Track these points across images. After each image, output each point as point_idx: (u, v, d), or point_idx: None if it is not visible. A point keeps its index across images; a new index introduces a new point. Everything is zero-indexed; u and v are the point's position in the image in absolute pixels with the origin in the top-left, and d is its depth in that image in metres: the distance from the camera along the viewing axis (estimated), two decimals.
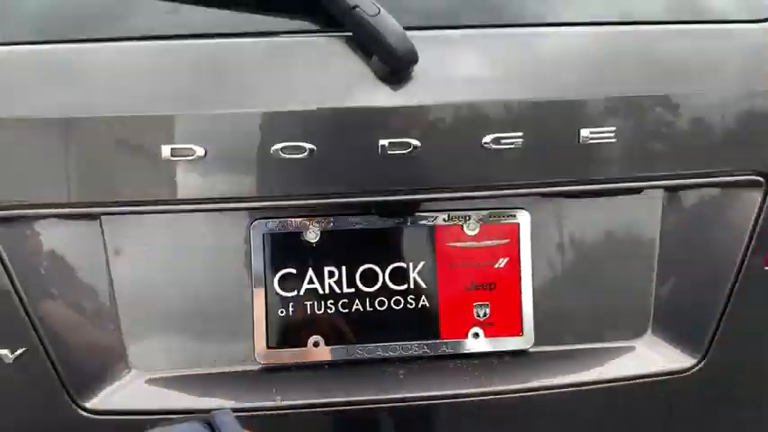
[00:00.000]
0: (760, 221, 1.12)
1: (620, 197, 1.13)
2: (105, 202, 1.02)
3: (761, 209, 1.12)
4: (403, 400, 1.09)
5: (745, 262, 1.13)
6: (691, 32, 1.12)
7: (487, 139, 1.02)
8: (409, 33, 1.00)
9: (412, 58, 0.99)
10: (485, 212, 1.13)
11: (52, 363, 1.04)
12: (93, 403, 1.07)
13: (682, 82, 1.08)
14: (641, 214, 1.15)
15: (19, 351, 1.04)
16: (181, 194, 1.01)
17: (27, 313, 1.03)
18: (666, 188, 1.12)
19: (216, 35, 1.04)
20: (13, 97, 1.00)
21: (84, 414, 1.06)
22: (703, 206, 1.14)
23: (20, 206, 1.01)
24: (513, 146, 1.02)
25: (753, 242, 1.13)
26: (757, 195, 1.12)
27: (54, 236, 1.04)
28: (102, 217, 1.05)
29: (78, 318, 1.07)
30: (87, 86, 1.01)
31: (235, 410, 1.05)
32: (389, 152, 1.01)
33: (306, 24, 1.05)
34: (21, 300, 1.02)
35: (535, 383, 1.13)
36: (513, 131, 1.02)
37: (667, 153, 1.09)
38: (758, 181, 1.11)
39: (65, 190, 1.01)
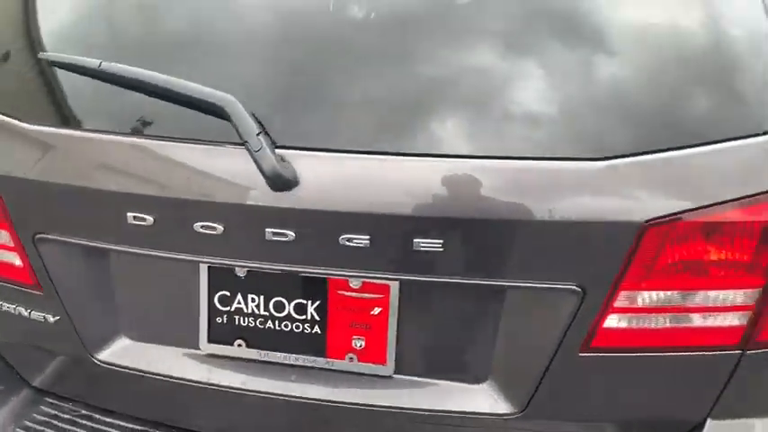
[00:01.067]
0: (576, 319, 1.37)
1: None
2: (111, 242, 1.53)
3: (578, 310, 1.36)
4: (291, 396, 1.55)
5: (559, 350, 1.40)
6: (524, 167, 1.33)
7: (342, 237, 1.36)
8: (293, 152, 1.35)
9: (284, 186, 1.32)
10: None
11: (75, 329, 1.63)
12: (102, 356, 1.66)
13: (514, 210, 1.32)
14: (485, 295, 1.44)
15: (57, 317, 1.63)
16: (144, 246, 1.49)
17: (59, 297, 1.60)
18: (495, 288, 1.39)
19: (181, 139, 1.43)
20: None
21: (96, 362, 1.65)
22: (532, 303, 1.40)
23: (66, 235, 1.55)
24: (361, 244, 1.35)
25: (569, 333, 1.39)
26: (576, 300, 1.36)
27: (80, 255, 1.58)
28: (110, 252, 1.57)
29: (91, 304, 1.63)
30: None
31: (181, 379, 1.60)
32: (273, 238, 1.39)
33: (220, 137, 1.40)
34: (56, 290, 1.60)
35: (390, 402, 1.53)
36: (362, 234, 1.35)
37: (493, 265, 1.36)
38: (577, 290, 1.35)
39: (88, 232, 1.53)
